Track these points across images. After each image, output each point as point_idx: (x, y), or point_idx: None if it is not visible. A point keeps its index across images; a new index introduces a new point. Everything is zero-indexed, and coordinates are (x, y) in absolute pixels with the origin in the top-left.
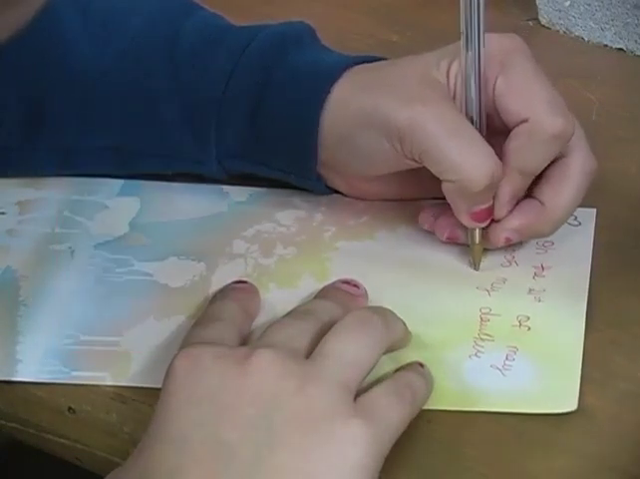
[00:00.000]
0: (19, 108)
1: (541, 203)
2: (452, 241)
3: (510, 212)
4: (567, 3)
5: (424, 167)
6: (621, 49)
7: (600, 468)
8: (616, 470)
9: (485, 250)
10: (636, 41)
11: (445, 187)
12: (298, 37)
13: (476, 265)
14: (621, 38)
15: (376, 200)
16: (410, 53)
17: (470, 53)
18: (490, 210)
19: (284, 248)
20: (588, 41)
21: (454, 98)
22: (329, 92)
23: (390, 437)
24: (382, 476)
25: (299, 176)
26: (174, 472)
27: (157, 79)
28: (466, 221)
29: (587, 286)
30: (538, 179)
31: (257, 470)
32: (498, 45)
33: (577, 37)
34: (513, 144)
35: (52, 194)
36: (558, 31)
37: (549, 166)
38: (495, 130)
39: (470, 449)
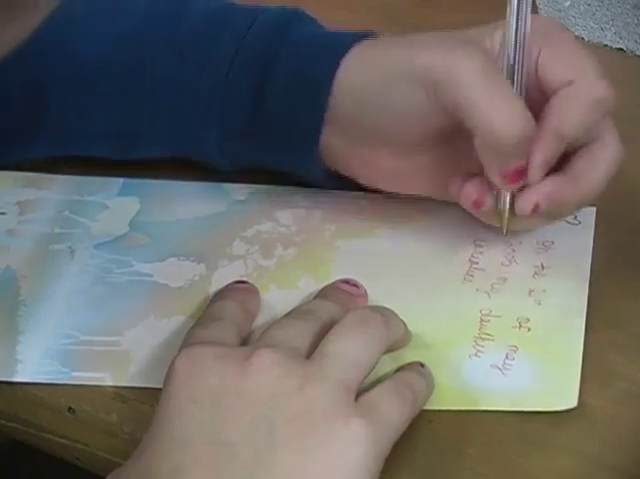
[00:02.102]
0: (22, 91)
1: (574, 176)
2: (477, 209)
3: (543, 179)
4: (567, 3)
5: (449, 157)
6: (621, 49)
7: (600, 468)
8: (616, 470)
9: (513, 216)
10: (636, 41)
11: (477, 141)
12: (301, 16)
13: (504, 230)
14: (621, 38)
15: (390, 190)
16: None
17: (515, 20)
18: (523, 171)
19: (284, 250)
20: (588, 41)
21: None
22: (338, 63)
23: (391, 437)
24: (382, 476)
25: (299, 160)
26: (175, 472)
27: (158, 61)
28: (497, 180)
29: (587, 286)
30: (570, 156)
31: (258, 470)
32: (541, 22)
33: (577, 37)
34: (555, 104)
35: (52, 194)
36: None
37: (582, 147)
38: (532, 106)
39: (470, 449)
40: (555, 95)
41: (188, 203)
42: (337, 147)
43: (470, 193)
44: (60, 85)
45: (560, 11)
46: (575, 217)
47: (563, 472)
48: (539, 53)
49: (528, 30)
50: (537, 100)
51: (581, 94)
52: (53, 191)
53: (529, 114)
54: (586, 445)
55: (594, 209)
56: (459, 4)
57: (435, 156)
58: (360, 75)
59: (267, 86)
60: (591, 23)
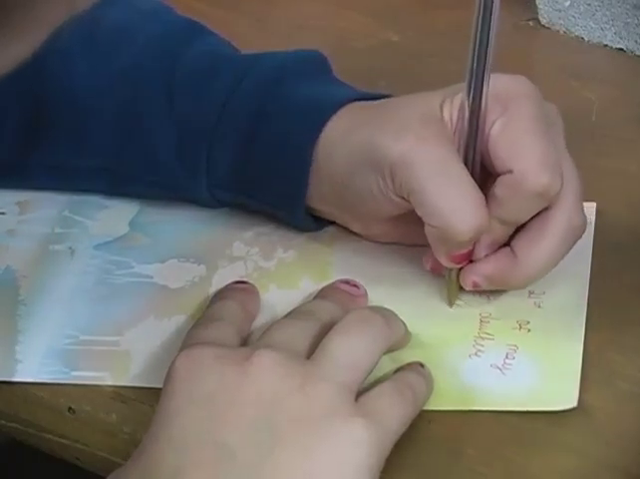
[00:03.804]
0: (18, 122)
1: (514, 256)
2: (435, 273)
3: (487, 256)
4: (567, 3)
5: None
6: (621, 49)
7: (600, 468)
8: (616, 470)
9: (462, 289)
10: (636, 41)
11: (427, 230)
12: (299, 69)
13: (450, 302)
14: (621, 38)
15: (394, 243)
16: (410, 53)
17: (472, 94)
18: (471, 252)
19: (284, 252)
20: (588, 41)
21: (454, 134)
22: (320, 131)
23: (391, 437)
24: (382, 476)
25: (287, 212)
26: (174, 474)
27: (151, 106)
28: (444, 261)
29: (587, 286)
30: (520, 228)
31: (258, 471)
32: (506, 87)
33: (577, 37)
34: (496, 192)
35: (52, 193)
36: (558, 31)
37: (532, 217)
38: (491, 170)
39: (470, 449)
40: (498, 181)
41: (188, 203)
42: (319, 203)
43: (426, 261)
44: (55, 117)
45: (560, 11)
46: None
47: (563, 472)
48: (493, 124)
49: (485, 105)
50: (491, 167)
51: (519, 188)
52: (53, 191)
53: (484, 209)
54: (586, 445)
55: (594, 203)
56: (459, 4)
57: (403, 220)
58: (333, 148)
59: (253, 142)
60: (591, 23)
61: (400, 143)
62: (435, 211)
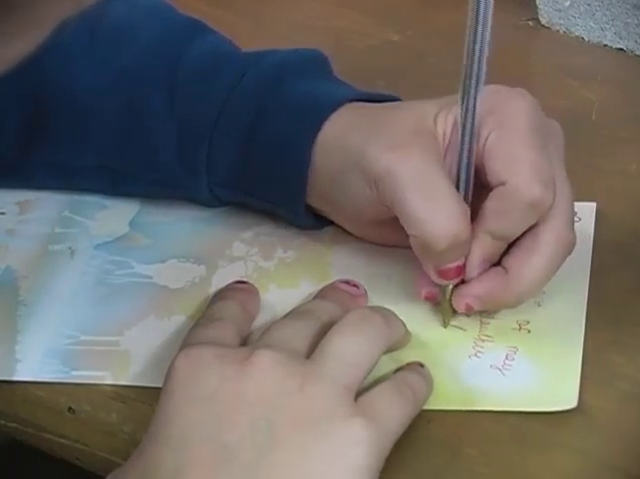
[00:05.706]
0: (19, 122)
1: (506, 275)
2: (430, 301)
3: (478, 277)
4: (567, 3)
5: None
6: (621, 49)
7: (600, 468)
8: (616, 470)
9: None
10: (636, 41)
11: (412, 241)
12: (300, 68)
13: (444, 323)
14: (621, 38)
15: (380, 244)
16: (409, 53)
17: (465, 105)
18: (460, 269)
19: (284, 252)
20: (588, 41)
21: (447, 148)
22: (319, 129)
23: (391, 437)
24: (382, 476)
25: (287, 210)
26: (173, 474)
27: (152, 105)
28: (433, 277)
29: (587, 286)
30: (511, 246)
31: (257, 471)
32: (503, 99)
33: (577, 37)
34: (488, 205)
35: (52, 193)
36: (558, 31)
37: (523, 233)
38: (486, 185)
39: (469, 449)
40: (491, 194)
41: (188, 203)
42: (317, 201)
43: (419, 288)
44: (55, 116)
45: (560, 11)
46: (575, 213)
47: (563, 472)
48: (487, 138)
49: (478, 117)
50: (486, 181)
51: (511, 199)
52: (53, 191)
53: (465, 219)
54: (586, 445)
55: (594, 204)
56: (459, 4)
57: (389, 225)
58: (330, 147)
59: (253, 141)
60: (591, 23)
61: (386, 154)
62: (413, 220)
